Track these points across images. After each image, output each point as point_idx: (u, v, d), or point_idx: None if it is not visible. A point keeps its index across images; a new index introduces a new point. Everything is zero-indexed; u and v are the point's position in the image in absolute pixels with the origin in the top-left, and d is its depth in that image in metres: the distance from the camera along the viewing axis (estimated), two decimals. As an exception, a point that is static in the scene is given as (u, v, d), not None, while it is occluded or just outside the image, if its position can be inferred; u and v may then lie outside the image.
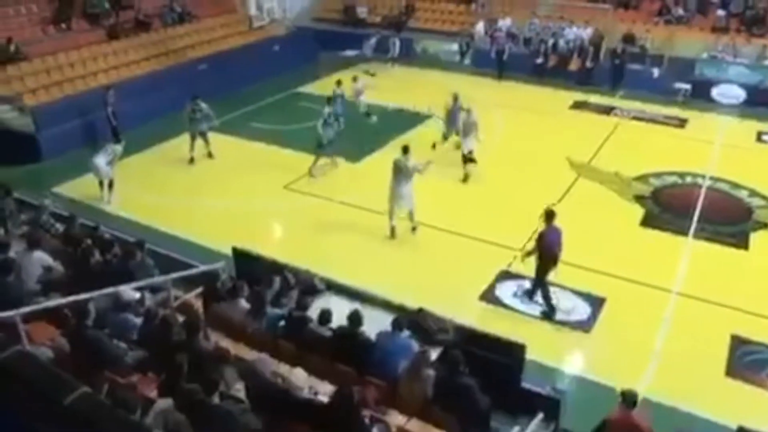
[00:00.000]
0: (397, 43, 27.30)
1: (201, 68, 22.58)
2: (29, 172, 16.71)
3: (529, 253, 11.41)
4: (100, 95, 18.34)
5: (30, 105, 18.28)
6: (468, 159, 16.07)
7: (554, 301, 11.34)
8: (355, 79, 20.50)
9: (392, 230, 13.76)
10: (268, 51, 25.13)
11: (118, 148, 15.85)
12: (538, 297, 11.52)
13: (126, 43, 22.27)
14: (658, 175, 16.56)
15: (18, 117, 18.07)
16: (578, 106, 22.25)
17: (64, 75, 19.98)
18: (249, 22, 24.87)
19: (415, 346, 7.90)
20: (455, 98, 17.44)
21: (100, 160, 15.24)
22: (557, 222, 11.22)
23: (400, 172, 13.42)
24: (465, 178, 16.05)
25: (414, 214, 13.79)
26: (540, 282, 11.37)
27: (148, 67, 21.97)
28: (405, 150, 13.68)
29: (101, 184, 15.42)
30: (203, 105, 17.32)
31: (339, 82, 18.93)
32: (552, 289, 11.47)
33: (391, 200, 13.60)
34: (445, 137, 17.60)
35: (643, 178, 16.35)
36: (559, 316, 11.24)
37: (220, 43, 24.77)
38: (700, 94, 22.69)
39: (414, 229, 13.87)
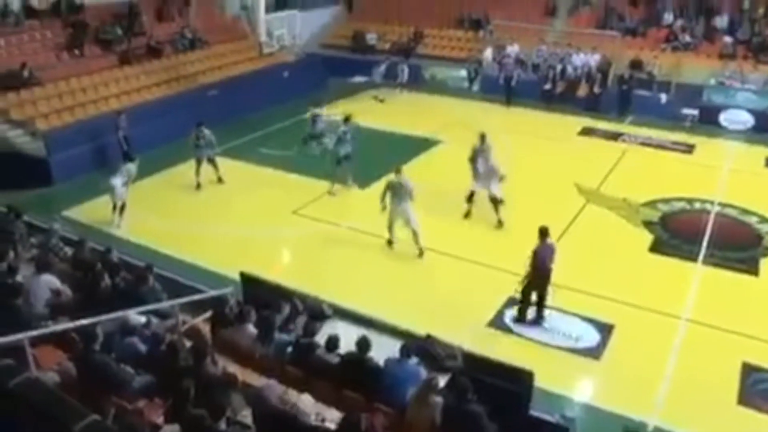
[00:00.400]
0: (406, 69, 27.46)
1: (211, 94, 22.73)
2: (40, 196, 16.80)
3: (526, 276, 11.38)
4: (112, 120, 18.54)
5: (42, 129, 18.44)
6: (497, 202, 15.10)
7: (528, 317, 11.52)
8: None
9: (389, 242, 14.19)
10: (277, 77, 25.30)
11: (132, 167, 15.96)
12: (547, 322, 11.47)
13: (137, 68, 22.49)
14: (666, 200, 16.49)
15: (30, 141, 18.22)
16: (586, 132, 22.25)
17: (76, 100, 20.16)
18: (259, 49, 25.10)
19: (423, 372, 7.83)
20: (482, 138, 15.57)
21: (117, 181, 15.35)
22: (551, 240, 11.36)
23: (396, 192, 13.71)
24: (500, 224, 15.07)
25: (419, 237, 13.81)
26: (526, 293, 11.45)
27: (159, 93, 22.16)
28: (397, 170, 13.99)
29: (114, 207, 15.45)
30: (206, 132, 17.43)
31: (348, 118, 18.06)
32: (560, 314, 11.41)
33: (391, 216, 13.95)
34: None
35: (651, 204, 16.28)
36: (567, 342, 11.13)
37: (230, 69, 24.96)
38: (708, 120, 22.67)
39: (420, 253, 13.84)
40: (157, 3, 25.74)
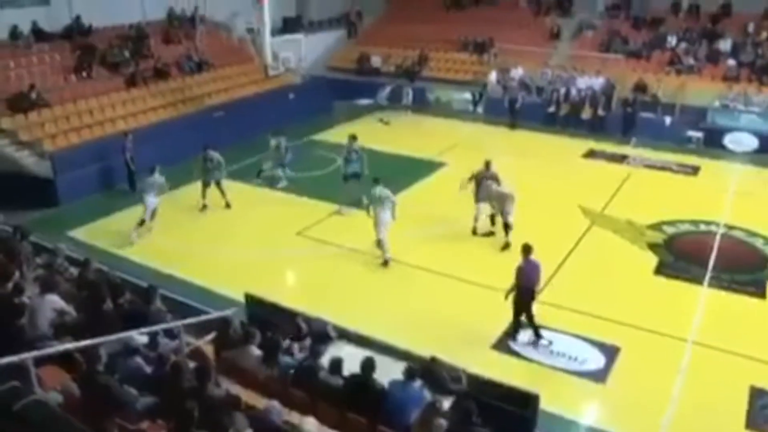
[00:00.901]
0: (411, 92, 27.66)
1: (217, 115, 22.85)
2: (46, 216, 16.87)
3: (510, 290, 11.45)
4: (119, 141, 18.63)
5: (49, 150, 18.57)
6: (509, 227, 15.15)
7: (519, 335, 11.62)
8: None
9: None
10: (283, 99, 25.43)
11: (157, 177, 16.14)
12: (554, 346, 11.42)
13: (144, 90, 22.67)
14: (671, 223, 16.45)
15: (37, 162, 18.36)
16: (591, 154, 22.28)
17: (83, 121, 20.30)
18: (265, 71, 25.25)
19: (428, 395, 7.77)
20: (487, 165, 15.80)
21: (151, 199, 15.81)
22: (535, 257, 11.41)
23: (379, 202, 14.39)
24: (507, 246, 14.97)
25: (384, 245, 14.34)
26: (515, 313, 11.51)
27: (165, 114, 22.32)
28: (376, 181, 14.80)
29: (141, 222, 15.82)
30: (215, 154, 17.47)
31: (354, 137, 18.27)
32: (565, 336, 11.39)
33: (377, 227, 14.43)
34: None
35: (656, 227, 16.24)
36: (572, 365, 11.05)
37: (236, 91, 25.14)
38: (713, 142, 22.70)
39: (385, 263, 14.37)
40: (165, 26, 25.99)
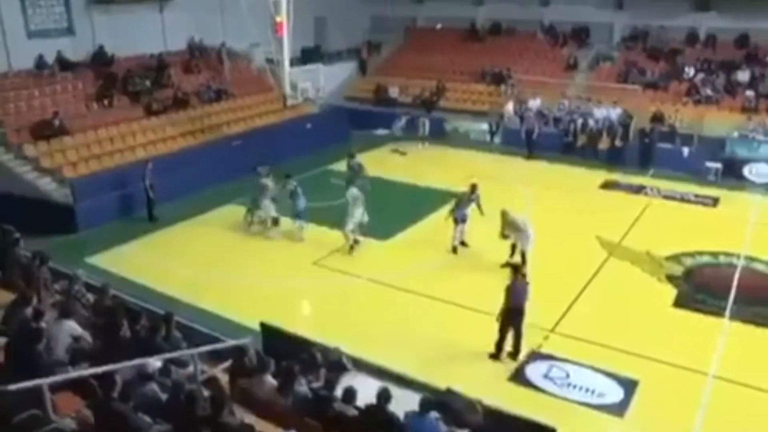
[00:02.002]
0: (427, 123, 27.77)
1: (235, 144, 23.01)
2: (65, 242, 16.96)
3: (501, 312, 11.64)
4: (139, 168, 18.81)
5: (69, 177, 18.78)
6: (524, 258, 15.22)
7: (503, 353, 11.84)
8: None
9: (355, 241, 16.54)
10: (301, 128, 25.56)
11: (265, 181, 17.59)
12: (571, 379, 11.28)
13: (164, 119, 22.93)
14: (690, 254, 16.27)
15: (57, 188, 18.59)
16: (608, 185, 22.17)
17: (103, 149, 20.54)
18: (283, 101, 25.44)
19: (443, 427, 7.68)
20: (473, 188, 16.62)
21: (267, 203, 17.38)
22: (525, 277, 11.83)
23: (352, 203, 16.31)
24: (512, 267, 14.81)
25: (347, 239, 16.36)
26: (501, 330, 11.72)
27: (184, 143, 22.53)
28: (349, 183, 16.99)
29: (273, 220, 17.46)
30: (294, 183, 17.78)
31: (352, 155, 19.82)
32: (582, 369, 11.27)
33: (351, 224, 16.30)
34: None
35: (675, 258, 16.07)
36: (590, 398, 10.90)
37: (254, 120, 25.36)
38: (732, 173, 22.49)
39: (350, 249, 16.41)
40: (185, 56, 26.36)
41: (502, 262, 15.24)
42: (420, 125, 27.52)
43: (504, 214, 15.39)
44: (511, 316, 11.61)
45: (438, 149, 26.59)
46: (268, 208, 17.77)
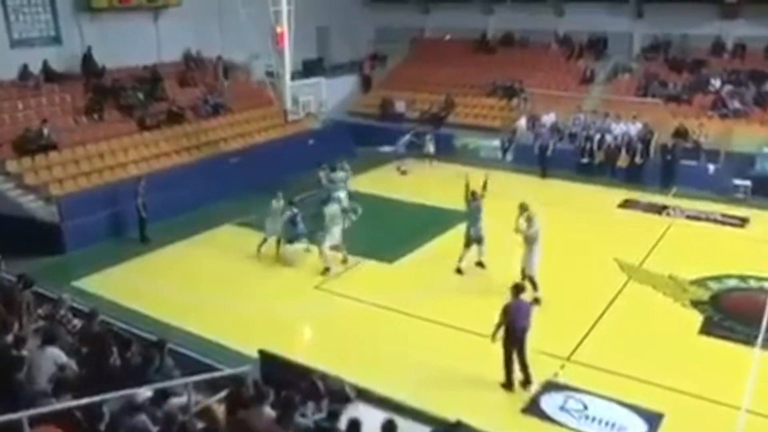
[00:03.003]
0: (431, 139, 27.35)
1: (233, 161, 23.08)
2: (51, 264, 16.97)
3: (496, 329, 11.65)
4: (132, 186, 18.84)
5: (56, 195, 18.78)
6: (534, 282, 14.94)
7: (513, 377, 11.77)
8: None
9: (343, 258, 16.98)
10: (302, 145, 25.60)
11: (274, 203, 17.67)
12: (589, 411, 11.16)
13: (158, 134, 23.00)
14: (717, 278, 16.14)
15: (43, 207, 18.58)
16: (627, 204, 22.10)
17: (93, 165, 20.57)
18: (284, 116, 25.51)
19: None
20: (474, 195, 16.64)
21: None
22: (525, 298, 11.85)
23: (330, 220, 16.55)
24: (536, 302, 14.38)
25: (327, 256, 16.59)
26: (505, 352, 11.68)
27: (179, 159, 22.60)
28: (326, 201, 17.22)
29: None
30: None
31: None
32: (602, 401, 11.15)
33: (337, 241, 16.77)
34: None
35: (700, 282, 15.95)
36: (612, 432, 10.79)
37: (253, 136, 25.48)
38: (762, 191, 22.25)
39: (324, 271, 16.54)
40: (180, 68, 26.50)
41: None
42: (426, 143, 27.25)
43: (523, 207, 15.27)
44: (510, 338, 11.60)
45: (447, 167, 26.54)
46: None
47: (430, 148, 27.24)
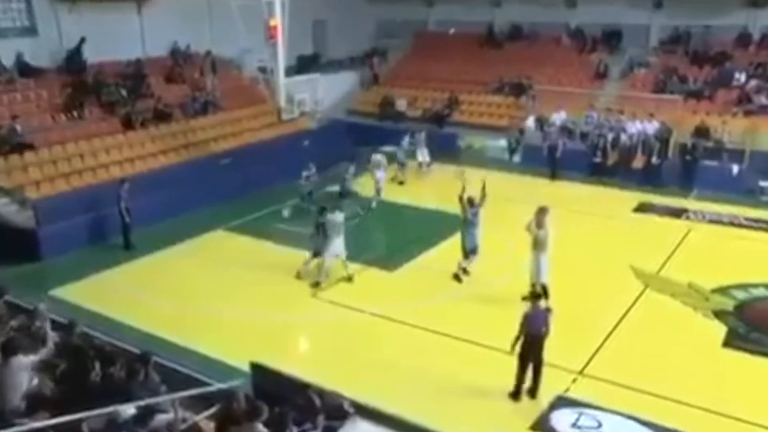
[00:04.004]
0: (424, 146, 26.20)
1: (224, 163, 23.08)
2: (27, 272, 16.88)
3: (516, 339, 11.68)
4: (114, 189, 18.73)
5: (32, 198, 18.68)
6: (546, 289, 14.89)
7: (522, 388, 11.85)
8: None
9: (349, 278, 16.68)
10: (297, 146, 25.56)
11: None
12: (604, 428, 11.13)
13: (143, 134, 22.95)
14: (742, 287, 16.09)
15: (18, 211, 18.45)
16: (643, 208, 22.12)
17: (73, 167, 20.49)
18: (278, 115, 25.51)
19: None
20: (470, 203, 16.45)
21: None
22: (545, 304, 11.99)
23: (337, 228, 16.35)
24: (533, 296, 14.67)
25: (320, 269, 16.43)
26: (520, 362, 11.76)
27: (166, 161, 22.56)
28: (323, 210, 16.73)
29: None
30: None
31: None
32: (617, 417, 11.15)
33: (331, 252, 16.41)
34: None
35: (723, 291, 15.90)
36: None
37: (245, 136, 25.46)
38: (790, 194, 22.29)
39: (350, 278, 16.50)
40: (167, 63, 26.49)
41: (523, 295, 15.12)
42: (418, 153, 26.04)
43: (543, 210, 15.23)
44: (529, 345, 11.65)
45: (451, 168, 26.48)
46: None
47: (423, 156, 26.16)
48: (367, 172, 22.55)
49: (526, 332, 11.64)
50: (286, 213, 20.55)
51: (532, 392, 11.90)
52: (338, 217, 16.58)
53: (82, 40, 23.43)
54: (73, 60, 23.46)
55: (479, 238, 16.41)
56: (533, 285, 14.99)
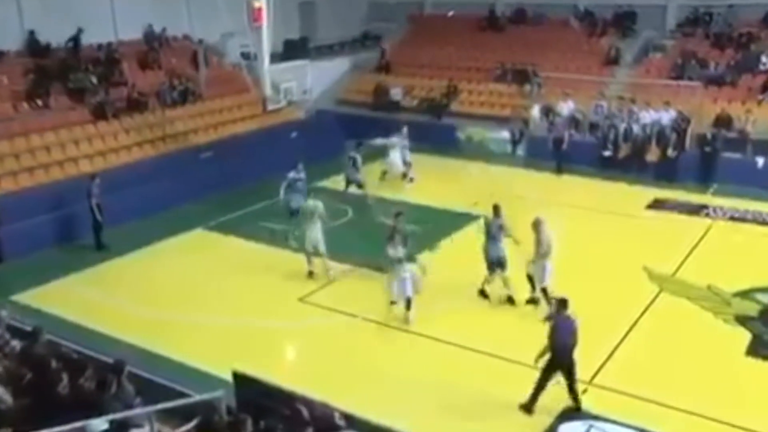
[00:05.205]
0: (407, 154, 25.03)
1: (204, 156, 23.12)
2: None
3: (543, 351, 11.57)
4: (84, 185, 18.64)
5: (-9, 195, 18.57)
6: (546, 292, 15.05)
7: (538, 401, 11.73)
8: None
9: (310, 273, 16.94)
10: (284, 138, 25.63)
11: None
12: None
13: (116, 124, 22.92)
14: (767, 290, 16.05)
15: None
16: (658, 205, 22.14)
17: (38, 160, 20.42)
18: (263, 105, 25.48)
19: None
20: (496, 210, 15.85)
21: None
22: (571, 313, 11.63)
23: (310, 217, 16.66)
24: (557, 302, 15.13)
25: (326, 262, 16.81)
26: (542, 375, 11.68)
27: (141, 154, 22.56)
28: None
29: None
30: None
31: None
32: (630, 431, 11.17)
33: (307, 244, 16.78)
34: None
35: (746, 294, 15.87)
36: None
37: (228, 127, 25.54)
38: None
39: (330, 281, 16.74)
40: (141, 48, 26.44)
41: (526, 298, 15.40)
42: (393, 156, 24.56)
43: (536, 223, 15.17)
44: (558, 358, 11.53)
45: (449, 162, 26.53)
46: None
47: (398, 163, 24.63)
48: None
49: (554, 344, 11.51)
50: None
51: (577, 408, 11.79)
52: (312, 204, 16.83)
53: (80, 32, 23.53)
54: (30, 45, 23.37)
55: (505, 250, 15.69)
56: (533, 285, 15.33)
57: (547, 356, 11.59)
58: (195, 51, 26.97)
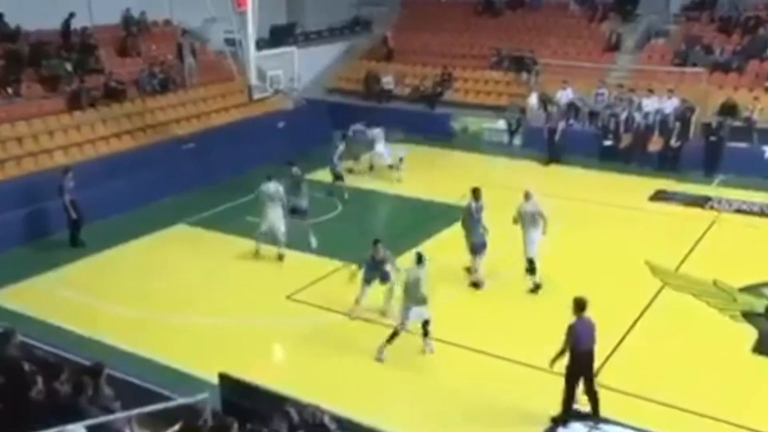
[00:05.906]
0: (384, 151, 24.73)
1: (187, 148, 23.06)
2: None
3: (559, 354, 11.37)
4: (56, 178, 18.48)
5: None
6: (533, 265, 15.75)
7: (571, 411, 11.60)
8: None
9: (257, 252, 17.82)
10: (270, 128, 25.69)
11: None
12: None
13: (92, 114, 22.80)
14: (775, 285, 16.18)
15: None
16: (660, 196, 22.24)
17: (9, 152, 20.27)
18: (248, 94, 25.40)
19: None
20: (475, 194, 16.35)
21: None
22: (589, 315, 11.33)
23: (270, 200, 17.31)
24: (535, 288, 15.85)
25: (281, 246, 17.49)
26: (568, 385, 11.46)
27: (119, 145, 22.45)
28: (269, 178, 17.51)
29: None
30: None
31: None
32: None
33: (263, 226, 17.47)
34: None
35: (753, 290, 15.93)
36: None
37: (211, 117, 25.49)
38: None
39: (279, 257, 17.53)
40: (119, 33, 26.33)
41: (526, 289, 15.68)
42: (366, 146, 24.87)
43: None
44: (577, 363, 11.37)
45: (443, 153, 26.57)
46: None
47: (384, 154, 24.66)
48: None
49: (573, 349, 11.30)
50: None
51: (595, 412, 11.73)
52: (271, 186, 17.43)
53: (71, 16, 23.42)
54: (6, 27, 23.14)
55: (486, 235, 16.25)
56: (529, 261, 15.66)
57: (566, 362, 11.38)
58: (179, 43, 26.68)
